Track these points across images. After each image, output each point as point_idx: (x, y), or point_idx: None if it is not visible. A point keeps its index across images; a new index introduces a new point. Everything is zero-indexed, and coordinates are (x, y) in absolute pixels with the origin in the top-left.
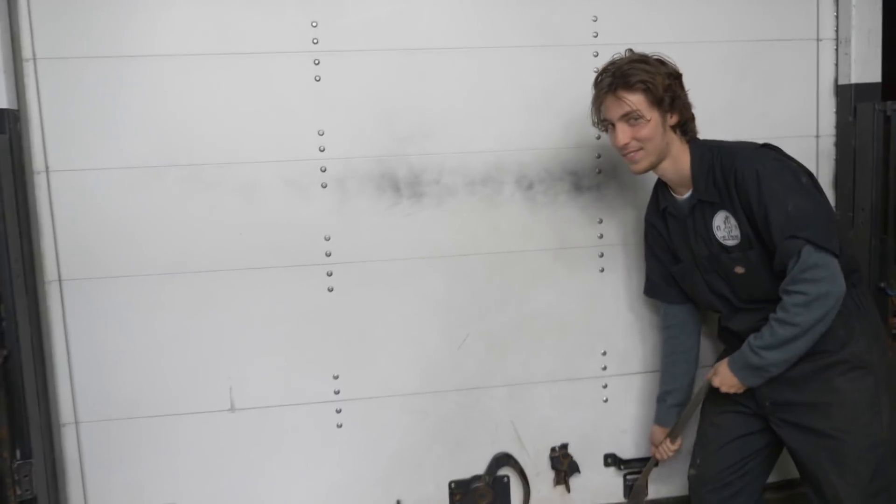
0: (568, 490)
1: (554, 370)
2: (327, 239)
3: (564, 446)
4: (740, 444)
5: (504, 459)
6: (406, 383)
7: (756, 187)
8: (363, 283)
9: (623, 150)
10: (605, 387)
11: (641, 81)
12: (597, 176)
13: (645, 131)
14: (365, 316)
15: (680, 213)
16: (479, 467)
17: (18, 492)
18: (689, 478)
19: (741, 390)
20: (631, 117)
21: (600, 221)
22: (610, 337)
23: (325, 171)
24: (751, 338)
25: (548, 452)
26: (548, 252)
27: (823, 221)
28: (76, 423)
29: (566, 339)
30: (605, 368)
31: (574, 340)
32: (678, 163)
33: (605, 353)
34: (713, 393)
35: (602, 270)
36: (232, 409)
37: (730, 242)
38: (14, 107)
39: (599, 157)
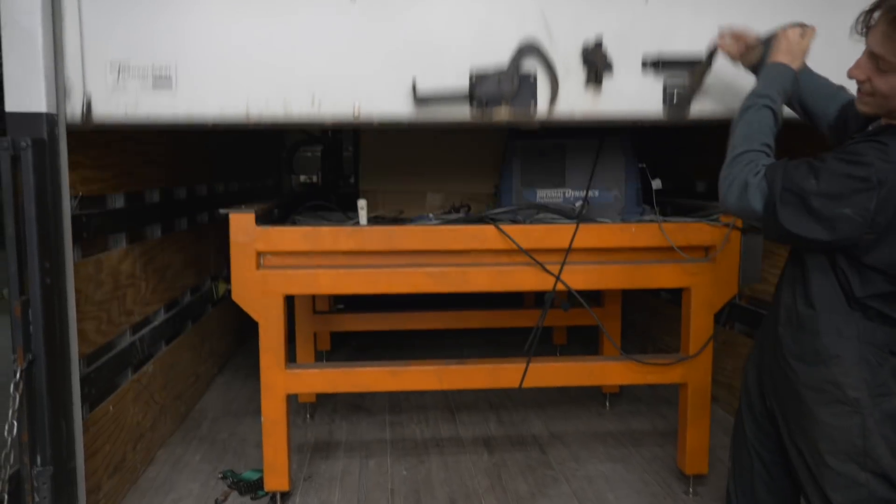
0: (599, 89)
1: None
2: None
3: (599, 42)
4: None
5: (530, 51)
6: None
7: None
8: None
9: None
10: None
11: None
12: None
13: (885, 85)
14: None
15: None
16: (503, 56)
17: (37, 499)
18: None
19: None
20: (880, 61)
21: None
22: None
23: None
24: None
25: (580, 47)
26: None
27: (808, 205)
28: None
29: None
30: None
31: None
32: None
33: None
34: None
35: None
36: None
37: None
38: (53, 111)
39: None
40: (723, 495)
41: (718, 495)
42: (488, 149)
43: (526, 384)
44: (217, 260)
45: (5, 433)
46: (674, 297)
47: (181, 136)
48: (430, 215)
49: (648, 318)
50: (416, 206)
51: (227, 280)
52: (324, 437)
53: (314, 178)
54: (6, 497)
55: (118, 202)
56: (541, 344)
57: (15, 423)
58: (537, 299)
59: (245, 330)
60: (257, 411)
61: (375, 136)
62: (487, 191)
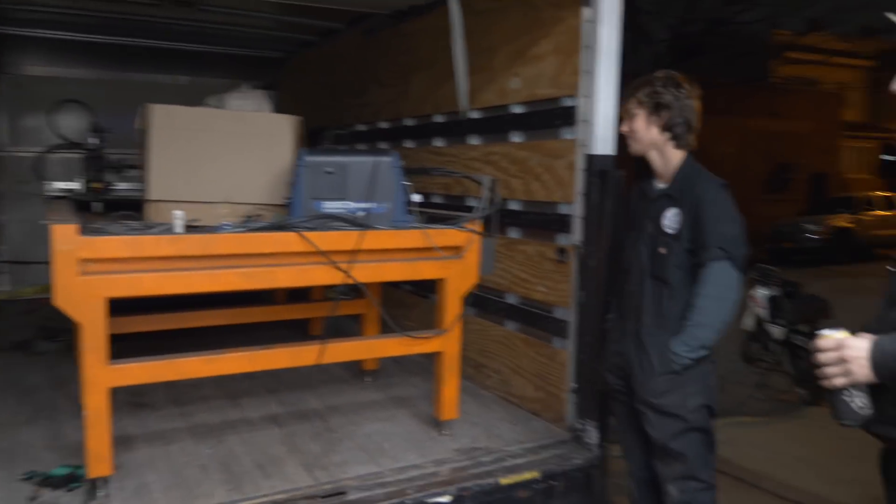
0: None
1: None
2: None
3: None
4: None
5: None
6: None
7: (710, 204)
8: None
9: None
10: None
11: (637, 88)
12: None
13: (631, 125)
14: None
15: (650, 195)
16: None
17: None
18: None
19: None
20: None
21: None
22: None
23: None
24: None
25: None
26: None
27: (741, 248)
28: None
29: None
30: None
31: None
32: (666, 159)
33: None
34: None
35: None
36: None
37: (668, 230)
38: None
39: None
40: (468, 434)
41: (464, 433)
42: (274, 163)
43: (325, 360)
44: None
45: None
46: (415, 289)
47: None
48: (229, 224)
49: (396, 308)
50: (207, 215)
51: None
52: (117, 434)
53: (75, 185)
54: None
55: None
56: (298, 334)
57: None
58: (289, 296)
59: None
60: (28, 421)
61: (166, 148)
62: (274, 202)
